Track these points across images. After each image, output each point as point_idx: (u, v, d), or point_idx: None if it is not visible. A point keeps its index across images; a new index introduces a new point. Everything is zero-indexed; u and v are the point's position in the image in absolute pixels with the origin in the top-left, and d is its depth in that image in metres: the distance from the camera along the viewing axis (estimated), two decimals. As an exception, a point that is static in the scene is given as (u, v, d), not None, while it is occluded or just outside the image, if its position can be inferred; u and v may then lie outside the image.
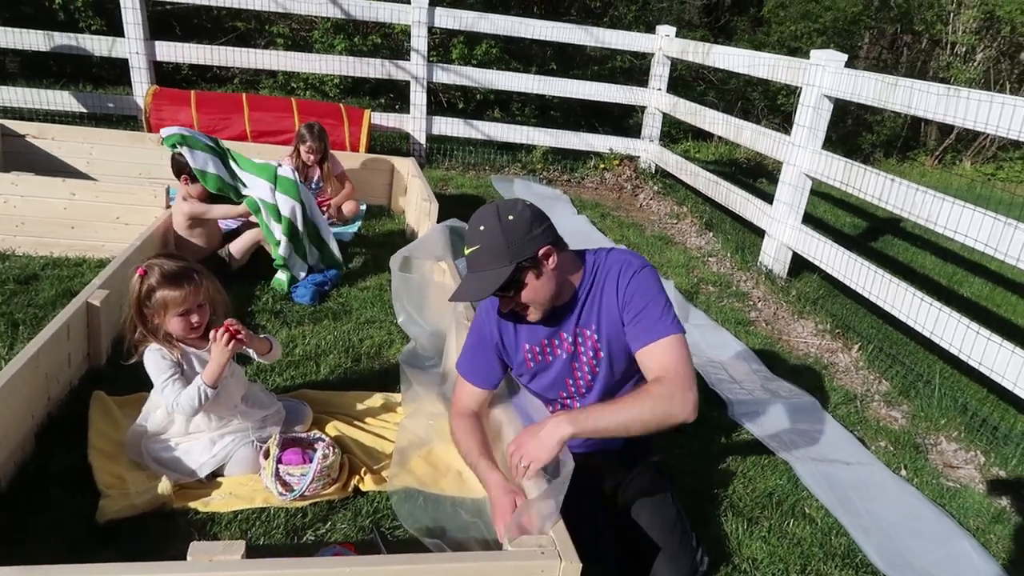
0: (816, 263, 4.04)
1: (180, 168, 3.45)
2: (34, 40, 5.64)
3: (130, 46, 5.61)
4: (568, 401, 1.98)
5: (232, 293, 2.33)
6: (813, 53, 4.05)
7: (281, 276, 3.44)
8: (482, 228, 1.71)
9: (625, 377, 1.94)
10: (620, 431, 1.66)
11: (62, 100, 5.86)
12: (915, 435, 2.94)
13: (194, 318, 2.03)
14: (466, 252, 1.73)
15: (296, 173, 3.57)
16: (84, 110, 5.91)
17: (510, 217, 1.71)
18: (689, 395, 1.66)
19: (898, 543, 2.25)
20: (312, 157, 4.38)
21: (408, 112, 6.23)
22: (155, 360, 2.03)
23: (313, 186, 4.53)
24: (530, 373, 1.95)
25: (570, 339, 1.89)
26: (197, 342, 2.11)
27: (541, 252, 1.73)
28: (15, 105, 5.77)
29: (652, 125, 6.54)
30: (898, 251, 5.55)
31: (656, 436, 2.07)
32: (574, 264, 1.87)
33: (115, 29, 5.79)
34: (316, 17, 7.81)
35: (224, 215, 3.56)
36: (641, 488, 1.92)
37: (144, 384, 2.44)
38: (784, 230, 4.33)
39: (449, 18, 6.02)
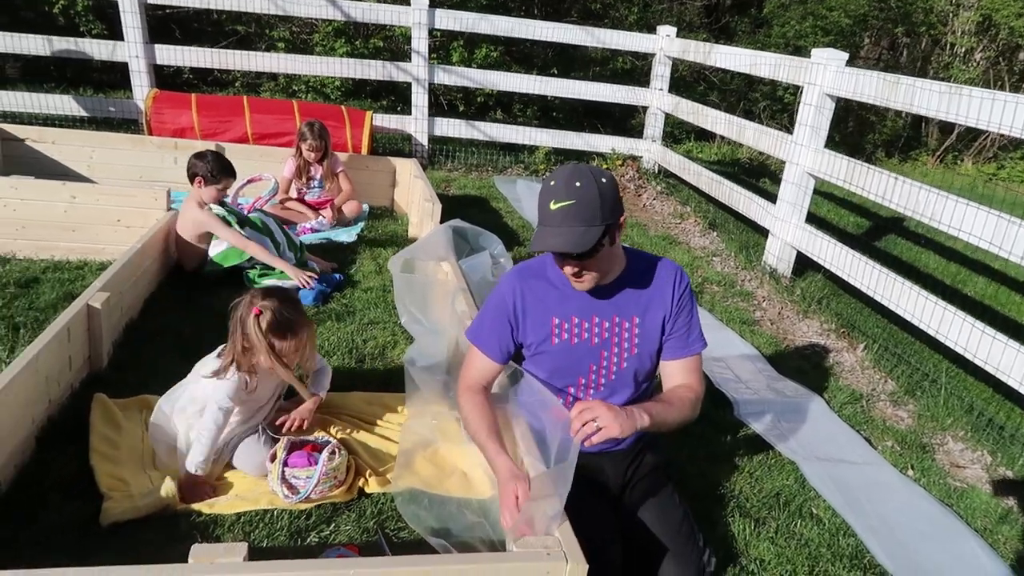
0: (820, 262, 4.02)
1: (195, 171, 3.41)
2: (33, 45, 5.63)
3: (129, 50, 5.61)
4: (580, 392, 1.91)
5: (235, 296, 2.32)
6: (814, 52, 4.03)
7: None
8: (578, 184, 1.66)
9: (641, 379, 1.92)
10: (660, 427, 1.77)
11: (63, 104, 5.85)
12: (921, 435, 2.92)
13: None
14: (553, 206, 1.67)
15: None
16: (85, 114, 5.91)
17: (603, 180, 1.70)
18: (699, 406, 1.87)
19: (906, 544, 2.23)
20: (313, 155, 4.44)
21: (410, 114, 6.22)
22: (227, 391, 2.06)
23: (316, 184, 4.54)
24: (554, 351, 1.86)
25: (607, 324, 1.85)
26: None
27: (622, 219, 1.75)
28: (15, 110, 5.75)
29: (654, 125, 6.53)
30: (901, 250, 5.53)
31: (662, 437, 2.06)
32: (620, 250, 1.85)
33: (116, 33, 5.79)
34: (317, 20, 7.81)
35: (231, 239, 3.39)
36: (647, 489, 1.90)
37: (145, 387, 2.43)
38: (788, 229, 4.31)
39: (450, 19, 6.01)
